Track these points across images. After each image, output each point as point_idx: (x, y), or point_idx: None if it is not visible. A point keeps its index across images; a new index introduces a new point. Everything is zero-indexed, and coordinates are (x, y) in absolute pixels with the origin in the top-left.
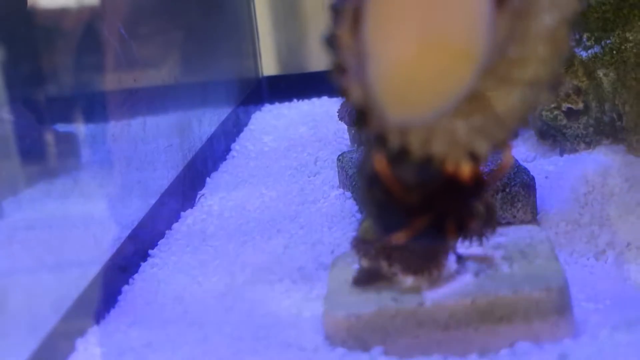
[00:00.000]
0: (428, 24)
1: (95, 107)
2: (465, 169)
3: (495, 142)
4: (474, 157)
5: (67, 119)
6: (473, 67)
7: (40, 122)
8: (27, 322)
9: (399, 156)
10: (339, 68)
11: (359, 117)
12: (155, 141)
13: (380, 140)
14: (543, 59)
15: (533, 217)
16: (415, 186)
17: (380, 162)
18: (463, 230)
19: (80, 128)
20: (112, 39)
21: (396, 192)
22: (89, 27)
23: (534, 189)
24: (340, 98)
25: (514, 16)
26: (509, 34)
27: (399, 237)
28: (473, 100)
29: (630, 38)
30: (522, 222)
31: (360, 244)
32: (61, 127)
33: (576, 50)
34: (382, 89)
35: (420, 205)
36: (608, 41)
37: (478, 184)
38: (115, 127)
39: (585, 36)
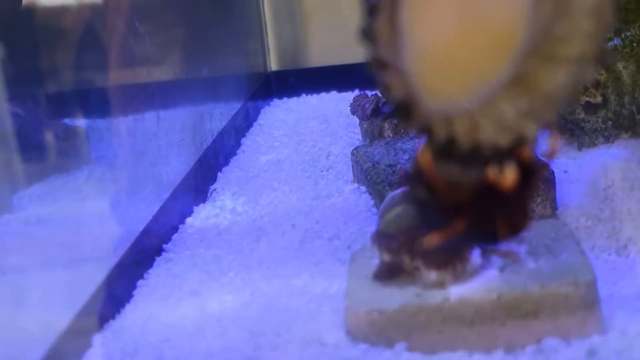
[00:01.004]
0: (467, 7)
1: (108, 102)
2: (509, 176)
3: (543, 123)
4: (523, 142)
5: (80, 114)
6: (516, 48)
7: (51, 116)
8: (42, 319)
9: (445, 152)
10: (379, 62)
11: (402, 111)
12: (168, 135)
13: (426, 132)
14: (588, 34)
15: (552, 211)
16: (459, 185)
17: (424, 157)
18: (514, 229)
19: (93, 122)
20: (126, 34)
21: (439, 190)
22: (102, 21)
23: (554, 184)
24: (366, 91)
25: None
26: (552, 12)
27: (432, 239)
28: (519, 82)
29: None
30: (542, 216)
31: (382, 238)
32: (73, 122)
33: None
34: (423, 79)
35: (463, 205)
36: (628, 33)
37: (526, 182)
38: (128, 122)
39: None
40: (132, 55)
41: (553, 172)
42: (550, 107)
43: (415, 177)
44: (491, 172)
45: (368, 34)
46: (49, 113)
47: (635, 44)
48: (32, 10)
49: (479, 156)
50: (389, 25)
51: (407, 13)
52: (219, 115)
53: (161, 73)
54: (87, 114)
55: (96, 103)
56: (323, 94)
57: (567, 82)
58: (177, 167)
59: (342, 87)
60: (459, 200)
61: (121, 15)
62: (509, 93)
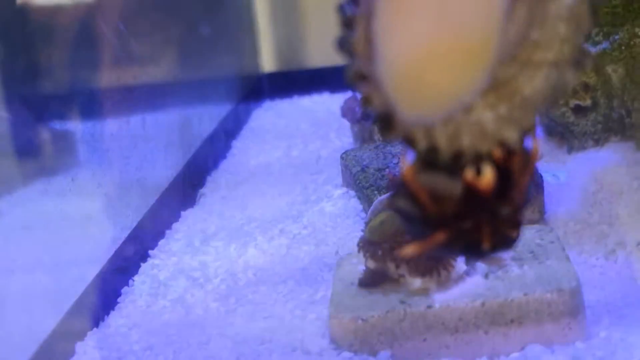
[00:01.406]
0: (441, 17)
1: (94, 105)
2: (487, 177)
3: (523, 128)
4: (503, 149)
5: (65, 116)
6: (492, 55)
7: (37, 120)
8: (25, 326)
9: (429, 163)
10: (358, 74)
11: (384, 123)
12: (155, 139)
13: (408, 142)
14: (565, 37)
15: (541, 216)
16: (443, 196)
17: (406, 169)
18: (502, 242)
19: (78, 126)
20: (111, 35)
21: (423, 201)
22: (86, 23)
23: (542, 188)
24: (344, 94)
25: (532, 0)
26: (527, 17)
27: (410, 249)
28: (497, 89)
29: None
30: (530, 221)
31: (367, 245)
32: (58, 125)
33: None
34: (400, 90)
35: (448, 217)
36: (617, 37)
37: (507, 185)
38: (113, 125)
39: (594, 32)
40: (120, 57)
41: (541, 176)
42: (529, 112)
43: (399, 187)
44: (468, 174)
45: (345, 46)
46: (36, 115)
47: (623, 47)
48: (18, 13)
49: (462, 165)
50: (365, 36)
51: (381, 24)
52: (208, 117)
53: (148, 75)
54: (74, 116)
55: (82, 106)
56: (315, 96)
57: (545, 86)
58: (164, 171)
59: (334, 88)
60: (443, 212)
61: (108, 17)
62: (487, 100)
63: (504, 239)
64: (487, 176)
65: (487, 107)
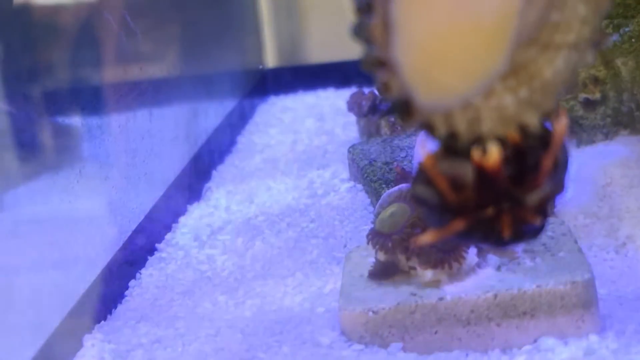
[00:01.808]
0: (460, 0)
1: (101, 99)
2: (493, 155)
3: (544, 112)
4: (522, 131)
5: (72, 111)
6: (512, 38)
7: (41, 114)
8: (33, 319)
9: (449, 151)
10: (375, 61)
11: (402, 110)
12: (161, 133)
13: (427, 129)
14: (584, 19)
15: (551, 210)
16: (463, 184)
17: (426, 156)
18: (522, 229)
19: (85, 120)
20: (117, 29)
21: (442, 189)
22: (91, 17)
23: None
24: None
25: None
26: (548, 0)
27: (425, 237)
28: (517, 72)
29: None
30: None
31: (377, 237)
32: (64, 120)
33: None
34: (419, 76)
35: (466, 205)
36: (627, 29)
37: (528, 170)
38: (120, 119)
39: (603, 24)
40: (126, 51)
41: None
42: (550, 95)
43: (418, 175)
44: (475, 154)
45: (362, 32)
46: (41, 110)
47: (634, 40)
48: (23, 7)
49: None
50: (383, 22)
51: (399, 9)
52: (214, 112)
53: (154, 70)
54: (79, 111)
55: (88, 101)
56: (320, 92)
57: (565, 68)
58: (170, 165)
59: (339, 84)
60: (463, 200)
61: (113, 11)
62: (507, 84)
63: (527, 228)
64: (493, 155)
65: (507, 91)
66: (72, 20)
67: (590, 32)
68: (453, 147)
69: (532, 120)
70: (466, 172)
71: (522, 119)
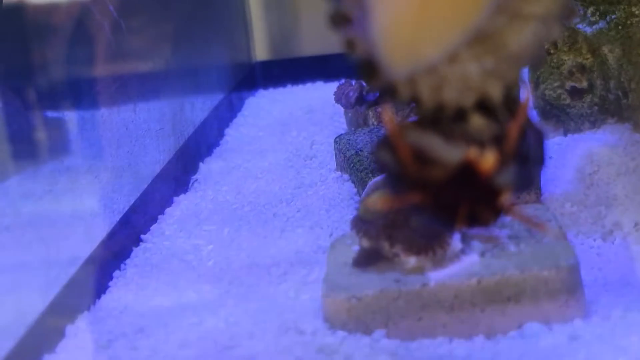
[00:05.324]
0: None
1: (85, 92)
2: (489, 160)
3: (508, 83)
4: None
5: (55, 103)
6: (480, 6)
7: (27, 108)
8: (13, 308)
9: (424, 123)
10: (342, 18)
11: (366, 71)
12: (147, 125)
13: (390, 92)
14: None
15: (537, 197)
16: (427, 159)
17: (391, 122)
18: (475, 221)
19: (69, 113)
20: (104, 21)
21: (403, 159)
22: (79, 10)
23: (544, 144)
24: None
25: None
26: None
27: (377, 202)
28: (484, 41)
29: (637, 12)
30: (527, 203)
31: (360, 224)
32: (49, 113)
33: (580, 26)
34: (387, 38)
35: (426, 179)
36: (613, 16)
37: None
38: (105, 112)
39: (589, 11)
40: (110, 45)
41: (541, 133)
42: (515, 66)
43: (384, 139)
44: (472, 152)
45: None
46: (26, 104)
47: (620, 27)
48: (13, 3)
49: (462, 135)
50: None
51: None
52: (200, 105)
53: (140, 63)
54: (65, 104)
55: (74, 94)
56: (309, 84)
57: (532, 40)
58: (156, 157)
59: (328, 77)
60: (423, 174)
61: (100, 5)
62: (473, 51)
63: (484, 216)
64: (490, 159)
65: (473, 58)
66: (57, 13)
67: (558, 6)
68: (429, 121)
69: (495, 91)
70: (435, 148)
71: (485, 88)
